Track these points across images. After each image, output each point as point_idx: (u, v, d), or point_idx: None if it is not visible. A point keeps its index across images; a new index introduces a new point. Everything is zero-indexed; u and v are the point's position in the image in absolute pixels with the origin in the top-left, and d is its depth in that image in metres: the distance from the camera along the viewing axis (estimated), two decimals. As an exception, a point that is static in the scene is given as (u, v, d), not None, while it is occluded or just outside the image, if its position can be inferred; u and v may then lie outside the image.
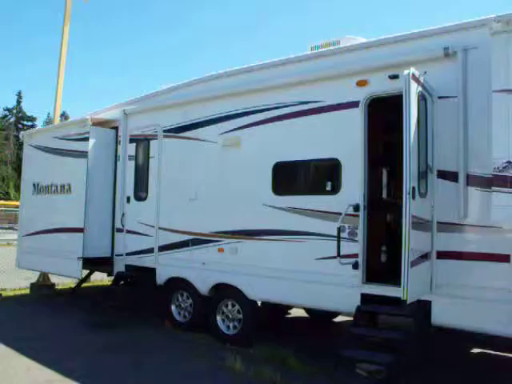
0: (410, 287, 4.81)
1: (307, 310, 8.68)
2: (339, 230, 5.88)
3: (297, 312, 8.82)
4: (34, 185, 10.06)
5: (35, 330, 7.69)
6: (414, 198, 4.96)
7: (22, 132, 11.17)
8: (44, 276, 10.96)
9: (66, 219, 8.99)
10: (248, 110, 7.11)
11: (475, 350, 7.03)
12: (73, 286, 11.15)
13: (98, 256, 8.79)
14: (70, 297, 10.57)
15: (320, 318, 8.72)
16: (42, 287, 10.81)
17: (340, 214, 6.05)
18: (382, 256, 6.89)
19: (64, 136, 9.27)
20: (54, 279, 11.26)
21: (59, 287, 11.33)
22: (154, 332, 7.70)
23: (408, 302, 4.91)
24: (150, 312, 8.77)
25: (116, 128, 9.10)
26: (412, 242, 4.81)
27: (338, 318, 8.77)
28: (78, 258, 8.52)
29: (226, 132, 7.37)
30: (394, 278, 6.05)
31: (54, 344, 6.95)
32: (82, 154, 8.76)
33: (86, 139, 8.71)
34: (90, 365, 6.12)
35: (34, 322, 8.28)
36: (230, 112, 7.31)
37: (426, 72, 5.32)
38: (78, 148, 8.89)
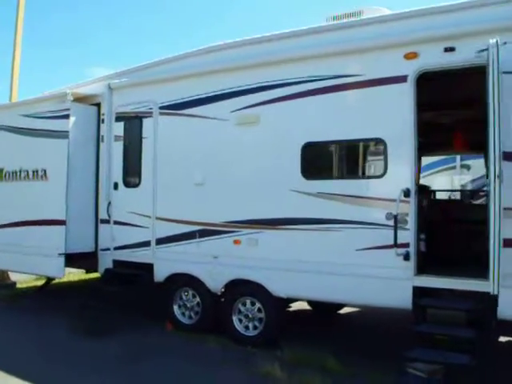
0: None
1: (309, 302, 8.09)
2: (395, 217, 5.30)
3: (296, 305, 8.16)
4: None
5: (17, 345, 6.49)
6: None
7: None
8: (2, 274, 9.54)
9: (42, 210, 7.72)
10: (270, 83, 6.29)
11: None
12: (38, 284, 9.80)
13: (82, 251, 7.65)
14: (39, 297, 9.23)
15: (325, 310, 8.13)
16: (1, 287, 9.41)
17: (385, 199, 5.51)
18: (422, 245, 6.40)
19: (36, 114, 7.94)
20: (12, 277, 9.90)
21: (21, 286, 9.94)
22: (160, 336, 6.76)
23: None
24: (147, 313, 7.79)
25: (98, 105, 7.94)
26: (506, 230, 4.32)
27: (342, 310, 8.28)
28: (60, 254, 7.34)
29: (241, 109, 6.51)
30: (437, 268, 5.65)
31: (53, 358, 5.88)
32: (60, 134, 7.52)
33: (66, 117, 7.47)
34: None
35: (8, 335, 7.04)
36: (248, 86, 6.46)
37: (505, 43, 4.79)
38: (54, 127, 7.62)
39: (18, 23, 9.73)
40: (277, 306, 6.35)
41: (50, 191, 7.65)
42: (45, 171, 7.77)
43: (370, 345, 6.48)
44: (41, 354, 6.07)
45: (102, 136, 7.80)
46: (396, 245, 5.31)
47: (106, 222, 7.72)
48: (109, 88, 7.72)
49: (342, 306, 7.92)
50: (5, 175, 8.42)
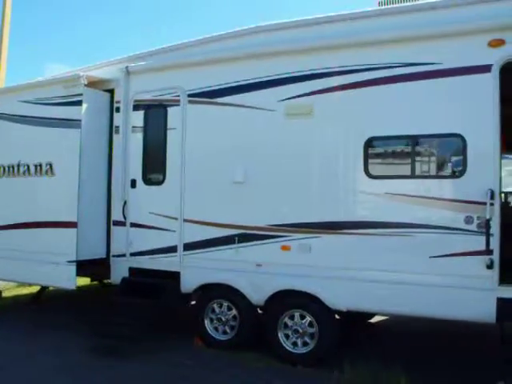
0: None
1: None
2: (488, 221, 4.75)
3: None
4: None
5: (35, 371, 5.47)
6: None
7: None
8: None
9: (47, 210, 6.70)
10: (327, 70, 5.60)
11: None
12: (23, 291, 8.65)
13: (94, 257, 6.69)
14: (36, 309, 8.10)
15: (357, 319, 7.51)
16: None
17: (464, 201, 4.96)
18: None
19: (39, 99, 6.88)
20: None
21: (8, 294, 8.75)
22: (192, 355, 5.93)
23: None
24: (173, 327, 6.91)
25: (109, 91, 6.99)
26: None
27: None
28: (70, 261, 6.35)
29: (291, 98, 5.78)
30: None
31: None
32: (70, 123, 6.53)
33: (77, 103, 6.49)
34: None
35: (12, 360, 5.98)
36: (300, 73, 5.74)
37: None
38: (62, 115, 6.61)
39: (6, 11, 8.54)
40: (332, 319, 5.68)
41: (57, 189, 6.65)
42: (50, 165, 6.73)
43: (430, 358, 5.93)
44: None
45: (117, 127, 6.84)
46: (487, 251, 4.77)
47: (121, 224, 6.78)
48: (126, 72, 6.77)
49: (373, 314, 7.35)
50: (3, 171, 7.28)
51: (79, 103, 6.51)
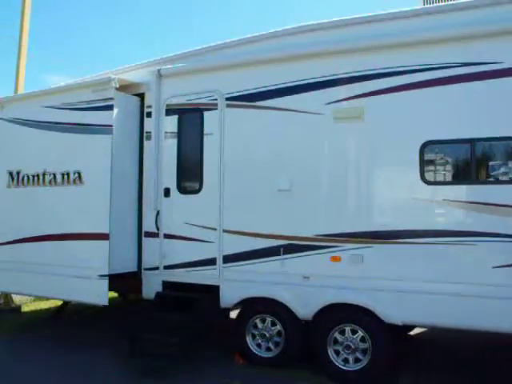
0: None
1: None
2: None
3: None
4: (10, 173, 7.08)
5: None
6: None
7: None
8: (5, 296, 7.94)
9: (75, 221, 6.33)
10: (379, 71, 5.32)
11: None
12: (41, 306, 8.25)
13: (126, 271, 6.33)
14: (58, 325, 7.67)
15: (397, 331, 7.18)
16: (5, 312, 7.82)
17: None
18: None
19: (66, 104, 6.53)
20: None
21: (26, 309, 8.35)
22: (238, 373, 5.56)
23: None
24: (211, 343, 6.54)
25: (139, 95, 6.66)
26: None
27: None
28: (101, 275, 5.99)
29: (340, 100, 5.50)
30: None
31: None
32: (100, 129, 6.19)
33: (107, 108, 6.15)
34: None
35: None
36: (349, 74, 5.45)
37: None
38: (91, 121, 6.27)
39: (24, 18, 8.20)
40: (386, 333, 5.36)
41: (86, 198, 6.29)
42: (79, 174, 6.38)
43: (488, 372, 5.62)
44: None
45: (148, 132, 6.52)
46: None
47: (153, 235, 6.44)
48: (158, 75, 6.46)
49: (413, 326, 7.03)
50: (22, 179, 6.93)
51: (109, 108, 6.17)
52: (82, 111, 6.44)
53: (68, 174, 6.48)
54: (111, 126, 6.13)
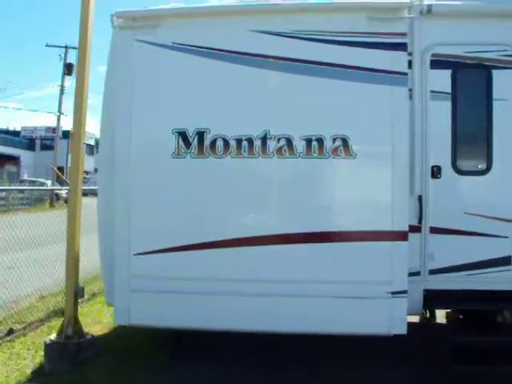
0: None
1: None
2: None
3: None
4: (180, 135, 4.26)
5: None
6: None
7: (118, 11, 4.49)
8: (71, 318, 4.76)
9: (337, 214, 4.24)
10: None
11: None
12: (100, 331, 5.36)
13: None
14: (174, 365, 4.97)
15: None
16: (76, 348, 4.65)
17: None
18: None
19: (309, 32, 4.20)
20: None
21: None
22: None
23: None
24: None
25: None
26: None
27: None
28: (394, 292, 4.12)
29: None
30: None
31: None
32: (383, 78, 4.21)
33: (387, 47, 4.21)
34: None
35: None
36: None
37: None
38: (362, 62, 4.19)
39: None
40: None
41: (358, 179, 4.24)
42: (344, 140, 4.23)
43: None
44: None
45: (408, 90, 4.73)
46: None
47: (414, 229, 4.74)
48: (426, 11, 4.72)
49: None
50: (210, 145, 4.25)
51: (392, 47, 4.26)
52: (343, 46, 4.29)
53: (321, 141, 4.25)
54: (405, 74, 4.23)
